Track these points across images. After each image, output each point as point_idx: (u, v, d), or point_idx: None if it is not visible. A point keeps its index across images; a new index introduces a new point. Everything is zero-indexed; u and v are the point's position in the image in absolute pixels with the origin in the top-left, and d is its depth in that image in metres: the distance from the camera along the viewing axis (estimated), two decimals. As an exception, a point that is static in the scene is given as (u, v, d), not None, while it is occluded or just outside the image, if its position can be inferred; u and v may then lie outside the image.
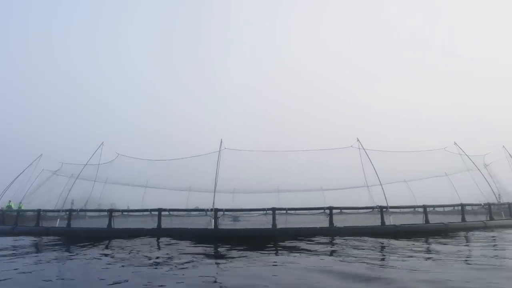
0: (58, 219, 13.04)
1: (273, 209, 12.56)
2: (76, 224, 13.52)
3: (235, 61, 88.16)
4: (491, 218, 14.88)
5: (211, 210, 12.56)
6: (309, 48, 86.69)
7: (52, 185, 20.86)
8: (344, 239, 10.34)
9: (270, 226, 12.21)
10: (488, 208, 15.34)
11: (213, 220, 12.19)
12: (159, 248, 9.29)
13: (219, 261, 7.40)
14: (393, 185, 19.64)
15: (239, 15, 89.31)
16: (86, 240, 10.46)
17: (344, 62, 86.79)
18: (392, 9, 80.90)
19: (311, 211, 13.40)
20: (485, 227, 13.60)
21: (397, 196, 18.17)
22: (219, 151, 14.36)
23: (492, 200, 18.22)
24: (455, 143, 17.91)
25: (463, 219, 14.27)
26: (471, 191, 19.52)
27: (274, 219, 12.35)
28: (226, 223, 15.24)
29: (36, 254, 8.59)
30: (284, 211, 12.87)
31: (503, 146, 20.78)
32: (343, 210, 13.23)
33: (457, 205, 15.20)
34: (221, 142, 14.68)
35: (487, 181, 17.22)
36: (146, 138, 55.11)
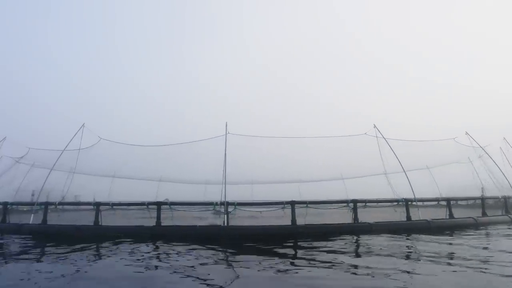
0: (32, 214, 10.64)
1: (292, 203, 10.95)
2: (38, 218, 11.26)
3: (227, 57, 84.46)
4: (507, 212, 14.13)
5: (221, 204, 10.73)
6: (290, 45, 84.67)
7: (13, 175, 18.23)
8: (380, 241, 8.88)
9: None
10: (505, 202, 14.61)
11: (224, 215, 10.38)
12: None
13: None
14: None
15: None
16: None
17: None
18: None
19: (333, 204, 11.88)
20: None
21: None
22: (225, 135, 12.45)
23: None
24: (466, 133, 16.97)
25: (484, 213, 13.40)
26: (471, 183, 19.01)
27: (293, 214, 10.74)
28: (207, 216, 13.39)
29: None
30: (305, 205, 11.26)
31: (504, 138, 20.27)
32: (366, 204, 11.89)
33: (478, 198, 14.30)
34: (226, 125, 12.77)
35: (501, 170, 16.39)
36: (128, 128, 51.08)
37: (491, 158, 16.60)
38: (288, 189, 20.92)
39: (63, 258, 6.71)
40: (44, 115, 56.80)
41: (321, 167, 18.55)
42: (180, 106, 70.19)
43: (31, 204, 11.22)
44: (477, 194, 18.44)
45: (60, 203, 11.41)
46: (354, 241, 8.93)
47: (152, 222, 10.58)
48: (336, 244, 8.28)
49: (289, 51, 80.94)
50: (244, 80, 76.71)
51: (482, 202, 13.78)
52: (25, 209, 13.75)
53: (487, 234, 10.10)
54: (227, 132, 12.97)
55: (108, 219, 11.15)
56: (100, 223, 10.65)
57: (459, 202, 16.03)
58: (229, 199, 13.29)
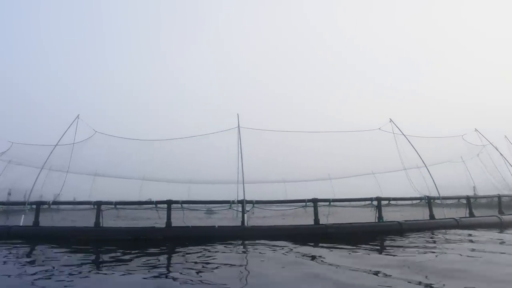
0: (23, 216, 9.31)
1: (315, 200, 10.12)
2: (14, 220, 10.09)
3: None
4: (521, 210, 13.81)
5: (238, 202, 9.78)
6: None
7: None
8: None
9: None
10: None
11: (243, 214, 9.42)
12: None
13: None
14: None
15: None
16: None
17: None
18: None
19: (356, 202, 11.19)
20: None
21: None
22: (238, 127, 11.46)
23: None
24: (476, 130, 16.56)
25: (501, 211, 12.98)
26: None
27: (316, 213, 9.91)
28: (199, 216, 13.19)
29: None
30: (327, 203, 10.46)
31: (505, 136, 20.10)
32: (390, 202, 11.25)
33: (495, 196, 13.88)
34: (238, 117, 11.76)
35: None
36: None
37: (502, 155, 16.29)
38: (276, 189, 20.15)
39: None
40: (29, 111, 54.71)
41: (305, 167, 17.83)
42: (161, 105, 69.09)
43: (22, 203, 9.86)
44: (469, 193, 18.19)
45: (54, 203, 10.11)
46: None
47: (149, 223, 9.97)
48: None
49: (264, 52, 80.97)
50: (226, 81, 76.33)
51: (499, 200, 13.39)
52: (0, 209, 12.50)
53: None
54: (239, 125, 11.98)
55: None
56: (101, 224, 9.46)
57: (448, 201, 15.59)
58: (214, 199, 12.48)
